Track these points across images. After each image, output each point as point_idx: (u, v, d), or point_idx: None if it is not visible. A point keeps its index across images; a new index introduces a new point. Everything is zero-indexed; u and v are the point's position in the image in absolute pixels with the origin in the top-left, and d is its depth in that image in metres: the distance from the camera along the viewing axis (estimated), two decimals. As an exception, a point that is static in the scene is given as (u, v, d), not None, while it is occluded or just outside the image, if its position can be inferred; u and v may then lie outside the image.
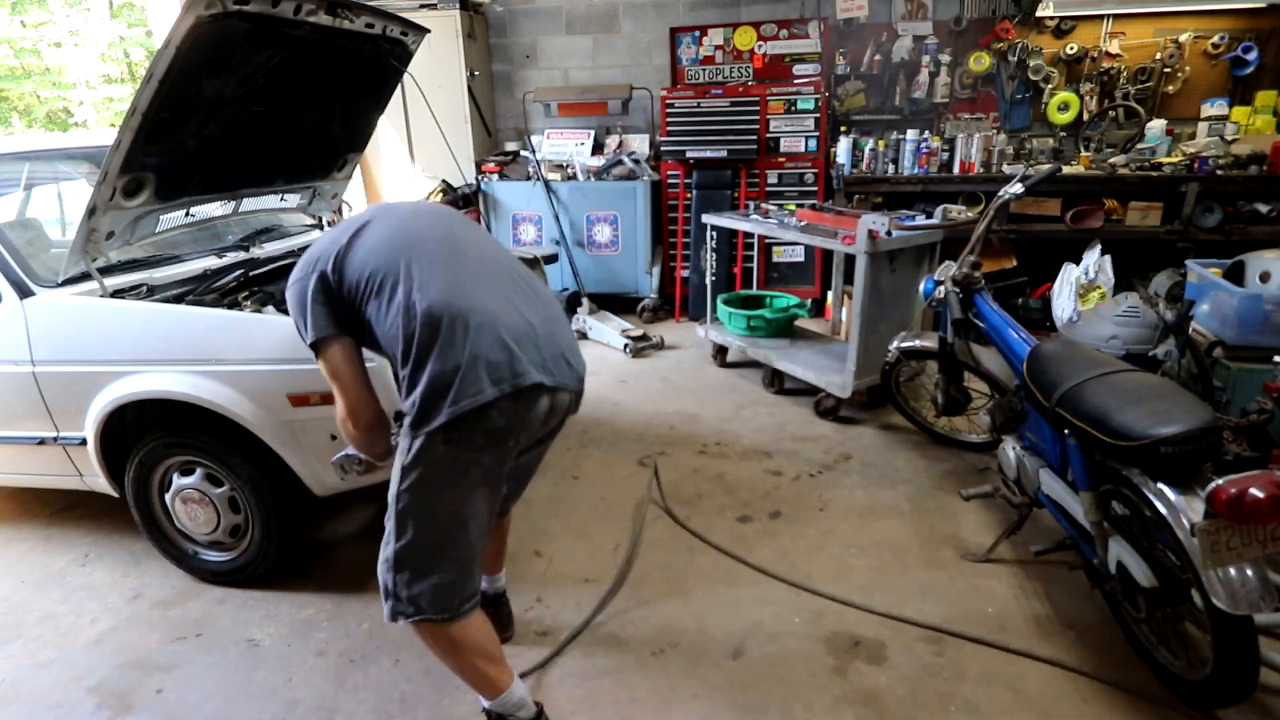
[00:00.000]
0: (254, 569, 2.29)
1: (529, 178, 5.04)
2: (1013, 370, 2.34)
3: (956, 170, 4.52)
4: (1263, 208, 4.10)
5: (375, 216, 1.62)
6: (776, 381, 3.71)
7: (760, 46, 4.97)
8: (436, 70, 4.96)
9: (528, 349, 1.47)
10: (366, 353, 1.60)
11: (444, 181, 5.06)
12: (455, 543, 1.51)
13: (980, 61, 4.74)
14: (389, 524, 1.52)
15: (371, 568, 2.32)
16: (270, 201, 2.96)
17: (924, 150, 4.51)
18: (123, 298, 2.20)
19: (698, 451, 3.11)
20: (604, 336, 4.57)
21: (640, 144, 5.30)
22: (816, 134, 4.65)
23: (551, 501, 2.75)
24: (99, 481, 2.33)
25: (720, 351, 4.13)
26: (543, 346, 1.50)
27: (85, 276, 2.20)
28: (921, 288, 2.82)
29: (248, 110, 2.35)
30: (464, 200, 5.04)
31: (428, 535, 1.49)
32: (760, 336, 3.82)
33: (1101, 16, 4.50)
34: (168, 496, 2.27)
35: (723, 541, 2.47)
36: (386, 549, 1.52)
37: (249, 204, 2.85)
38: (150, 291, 2.31)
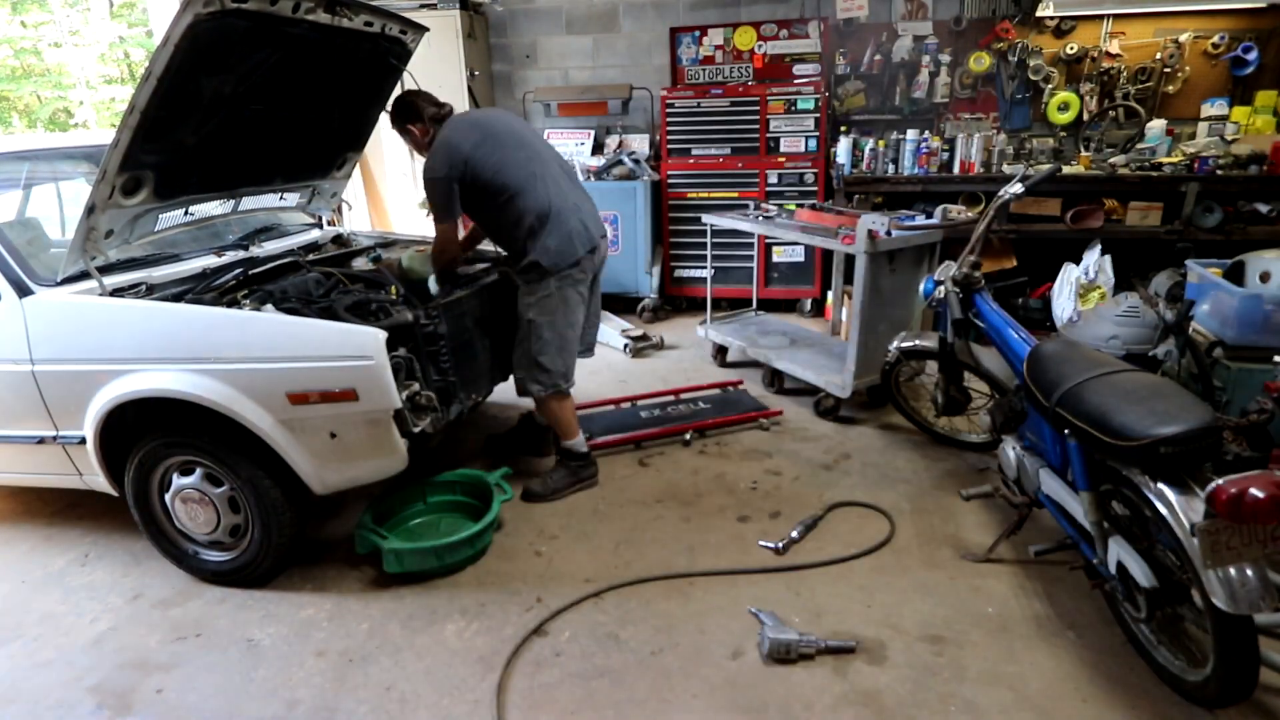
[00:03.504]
0: (254, 569, 2.29)
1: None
2: (1013, 370, 2.34)
3: (956, 170, 4.52)
4: (1263, 208, 4.10)
5: (486, 136, 2.49)
6: (776, 381, 3.70)
7: (760, 46, 4.97)
8: (436, 70, 4.94)
9: (590, 223, 2.66)
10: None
11: (444, 181, 5.05)
12: (568, 342, 2.65)
13: (980, 61, 4.74)
14: (531, 340, 2.58)
15: (371, 566, 2.31)
16: (269, 200, 2.96)
17: (924, 150, 4.51)
18: (122, 296, 2.20)
19: (698, 452, 3.11)
20: (604, 336, 4.55)
21: (640, 144, 5.30)
22: (816, 134, 4.65)
23: (551, 501, 2.75)
24: (98, 480, 2.33)
25: (720, 351, 4.13)
26: (594, 221, 2.70)
27: (84, 275, 2.20)
28: (921, 288, 2.82)
29: (246, 108, 2.35)
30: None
31: (555, 338, 2.60)
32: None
33: (1101, 16, 4.50)
34: (167, 496, 2.27)
35: (723, 541, 2.47)
36: (529, 355, 2.59)
37: (248, 203, 2.85)
38: (149, 290, 2.31)
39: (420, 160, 2.62)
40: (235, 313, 2.14)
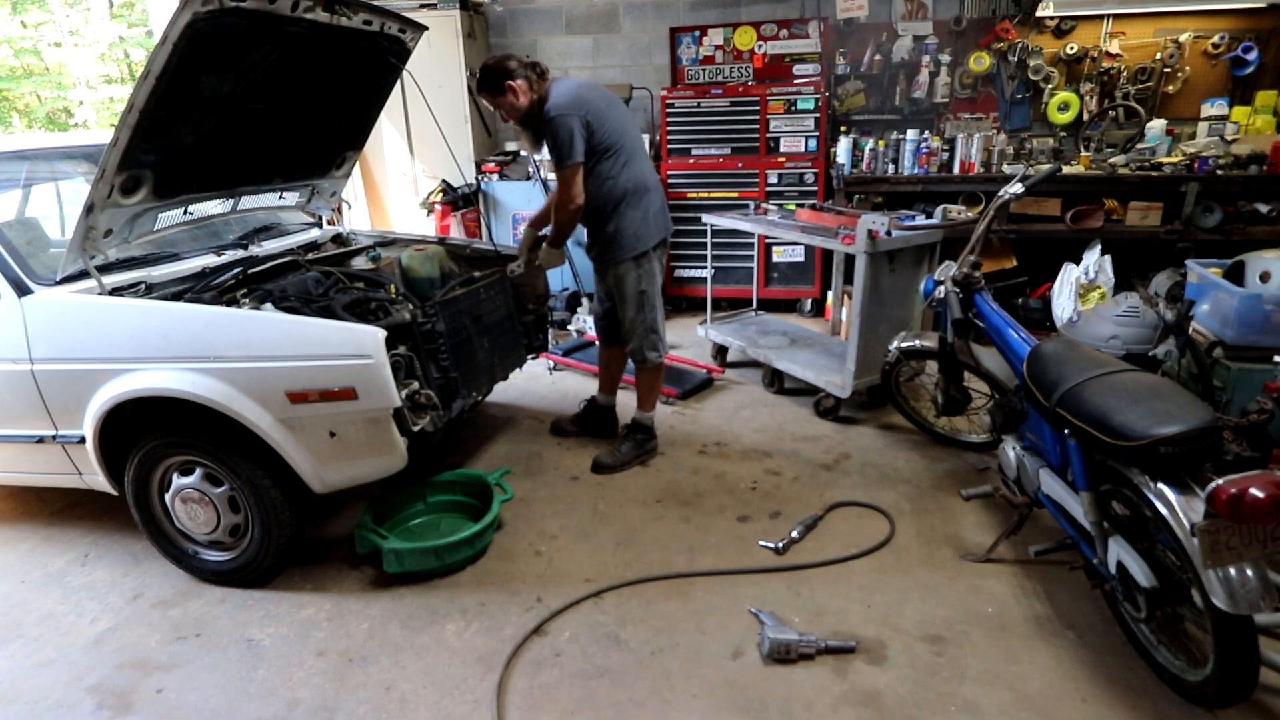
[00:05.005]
0: (254, 569, 2.29)
1: (529, 178, 5.03)
2: (1013, 370, 2.34)
3: (956, 170, 4.51)
4: (1263, 208, 4.10)
5: (607, 106, 2.58)
6: (776, 381, 3.70)
7: (760, 46, 4.96)
8: (437, 70, 4.95)
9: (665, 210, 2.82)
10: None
11: (444, 181, 5.06)
12: (660, 310, 2.86)
13: (980, 61, 4.74)
14: (645, 310, 2.77)
15: (371, 566, 2.32)
16: (269, 199, 2.96)
17: (924, 150, 4.51)
18: (121, 295, 2.20)
19: (698, 451, 3.11)
20: (604, 336, 4.56)
21: (640, 144, 5.29)
22: (816, 134, 4.64)
23: (551, 501, 2.74)
24: (98, 480, 2.33)
25: (720, 351, 4.13)
26: (665, 210, 2.83)
27: (83, 274, 2.20)
28: (921, 288, 2.82)
29: (246, 107, 2.35)
30: (463, 200, 5.03)
31: (656, 306, 2.81)
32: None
33: (1101, 16, 4.50)
34: (167, 496, 2.27)
35: (723, 541, 2.47)
36: (646, 324, 2.79)
37: (247, 202, 2.85)
38: (149, 289, 2.31)
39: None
40: (234, 311, 2.14)
